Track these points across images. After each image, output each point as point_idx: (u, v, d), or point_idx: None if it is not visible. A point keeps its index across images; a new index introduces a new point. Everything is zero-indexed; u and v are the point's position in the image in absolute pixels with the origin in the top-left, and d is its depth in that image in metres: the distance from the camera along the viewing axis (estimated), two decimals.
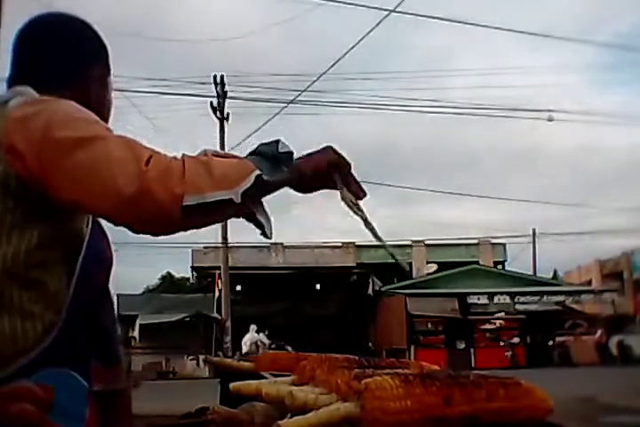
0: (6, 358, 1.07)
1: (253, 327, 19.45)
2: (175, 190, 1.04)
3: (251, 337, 19.20)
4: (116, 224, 1.11)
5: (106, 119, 1.35)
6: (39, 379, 1.06)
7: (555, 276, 34.65)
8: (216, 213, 1.11)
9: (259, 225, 1.19)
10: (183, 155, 1.10)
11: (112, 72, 1.41)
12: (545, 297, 24.60)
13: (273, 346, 19.13)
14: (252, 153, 1.17)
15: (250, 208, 1.16)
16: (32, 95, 1.21)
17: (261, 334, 19.53)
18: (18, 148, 1.09)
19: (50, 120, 1.11)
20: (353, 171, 1.24)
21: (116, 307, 1.34)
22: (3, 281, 1.10)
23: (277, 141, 1.17)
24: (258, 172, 1.11)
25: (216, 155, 1.15)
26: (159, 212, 1.05)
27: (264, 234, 1.20)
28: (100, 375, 1.17)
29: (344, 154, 1.22)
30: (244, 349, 18.68)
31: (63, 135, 1.08)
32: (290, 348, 20.09)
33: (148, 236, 1.13)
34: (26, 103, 1.17)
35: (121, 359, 1.30)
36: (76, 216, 1.20)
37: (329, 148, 1.22)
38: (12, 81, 1.29)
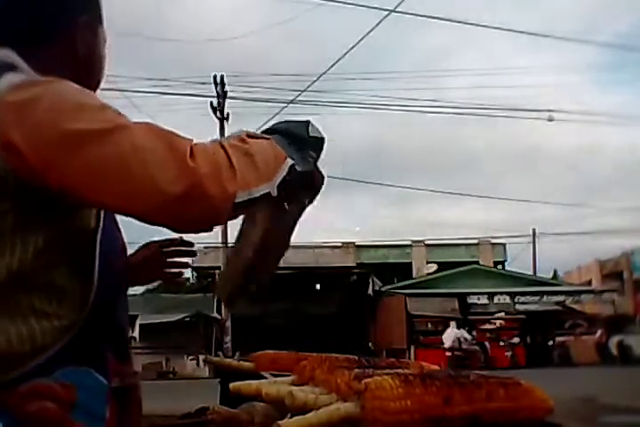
0: (24, 355, 1.01)
1: (453, 324, 19.41)
2: (228, 187, 0.94)
3: (452, 333, 19.14)
4: (152, 224, 0.98)
5: (98, 76, 1.23)
6: (59, 377, 1.02)
7: (555, 276, 34.63)
8: (255, 206, 1.03)
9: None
10: (220, 142, 1.00)
11: (104, 24, 1.23)
12: (545, 297, 24.58)
13: (474, 341, 19.19)
14: (272, 130, 1.08)
15: (283, 199, 1.07)
16: (24, 71, 1.06)
17: (462, 330, 19.48)
18: (15, 142, 0.94)
19: (53, 108, 0.95)
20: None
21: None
22: (12, 287, 1.02)
23: (307, 123, 1.08)
24: (290, 161, 1.03)
25: (249, 136, 1.04)
26: (209, 210, 0.96)
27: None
28: (115, 370, 1.13)
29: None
30: (447, 344, 18.67)
31: (73, 126, 0.93)
32: (488, 344, 20.36)
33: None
34: (20, 87, 0.99)
35: (131, 354, 1.26)
36: (84, 212, 1.09)
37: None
38: None
